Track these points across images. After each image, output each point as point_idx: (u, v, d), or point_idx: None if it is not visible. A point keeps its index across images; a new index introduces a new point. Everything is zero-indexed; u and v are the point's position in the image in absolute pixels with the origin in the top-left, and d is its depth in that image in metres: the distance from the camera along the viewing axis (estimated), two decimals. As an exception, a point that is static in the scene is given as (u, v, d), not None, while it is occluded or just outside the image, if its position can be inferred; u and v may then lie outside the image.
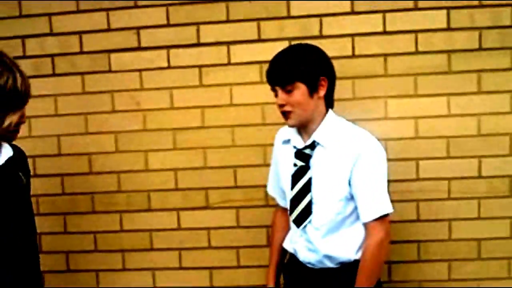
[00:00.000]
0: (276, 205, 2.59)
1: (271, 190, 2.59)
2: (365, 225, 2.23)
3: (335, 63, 2.32)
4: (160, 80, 2.90)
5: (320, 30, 2.79)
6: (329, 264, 2.28)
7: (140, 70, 2.90)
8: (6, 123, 1.94)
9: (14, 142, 2.13)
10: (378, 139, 2.25)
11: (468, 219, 2.84)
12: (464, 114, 2.78)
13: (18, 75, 1.91)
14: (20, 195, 2.12)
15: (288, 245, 2.45)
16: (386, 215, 2.21)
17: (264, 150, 2.85)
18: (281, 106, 2.21)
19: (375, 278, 2.23)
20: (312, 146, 2.25)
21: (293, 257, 2.42)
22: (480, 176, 2.81)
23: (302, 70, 2.16)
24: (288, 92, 2.17)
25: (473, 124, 2.78)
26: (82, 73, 2.93)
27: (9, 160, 2.07)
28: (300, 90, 2.17)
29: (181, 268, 3.00)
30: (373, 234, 2.20)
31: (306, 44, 2.31)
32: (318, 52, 2.25)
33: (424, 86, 2.78)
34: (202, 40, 2.85)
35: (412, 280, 2.89)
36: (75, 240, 3.01)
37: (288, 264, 2.50)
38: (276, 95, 2.22)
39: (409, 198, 2.83)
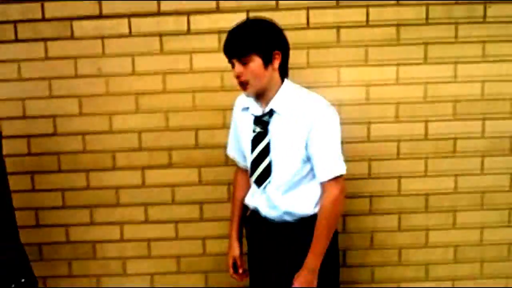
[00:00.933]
0: (236, 165, 2.71)
1: (231, 152, 2.71)
2: (322, 184, 2.37)
3: (291, 33, 2.41)
4: (122, 47, 2.94)
5: (276, 2, 2.86)
6: (288, 219, 2.44)
7: (102, 38, 2.93)
8: None
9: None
10: (332, 104, 2.36)
11: (415, 175, 3.03)
12: (411, 81, 2.93)
13: None
14: None
15: (250, 201, 2.59)
16: (340, 175, 2.35)
17: (223, 113, 2.96)
18: (238, 77, 2.30)
19: (332, 230, 2.39)
20: (270, 113, 2.37)
21: (254, 212, 2.57)
22: (426, 138, 2.98)
23: (257, 44, 2.25)
24: (244, 64, 2.27)
25: (420, 90, 2.93)
26: (45, 39, 2.94)
27: None
28: (256, 62, 2.26)
29: (147, 222, 3.12)
30: (329, 192, 2.35)
31: (261, 19, 2.37)
32: (272, 27, 2.33)
33: (375, 56, 2.90)
34: (162, 10, 2.89)
35: (364, 230, 3.10)
36: (43, 197, 3.09)
37: (250, 218, 2.65)
38: (233, 67, 2.31)
39: (361, 157, 2.99)
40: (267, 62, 2.29)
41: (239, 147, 2.60)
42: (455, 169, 3.04)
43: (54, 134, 3.03)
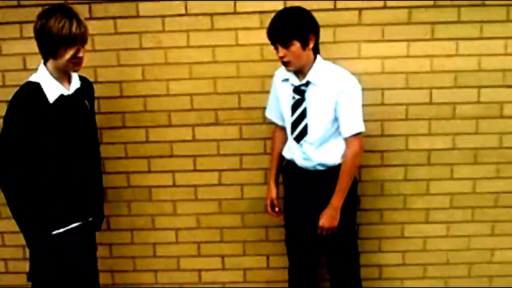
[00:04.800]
0: (275, 124, 3.22)
1: (270, 114, 3.23)
2: (345, 139, 2.92)
3: (322, 14, 2.96)
4: (179, 25, 3.40)
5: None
6: (320, 168, 2.99)
7: (162, 16, 3.39)
8: (66, 56, 2.53)
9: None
10: (353, 74, 2.89)
11: (420, 135, 3.49)
12: (419, 55, 3.37)
13: (74, 21, 2.49)
14: (85, 118, 2.77)
15: (287, 154, 3.13)
16: (360, 133, 2.91)
17: (262, 80, 3.41)
18: (281, 57, 2.82)
19: (352, 177, 2.96)
20: (306, 84, 2.90)
21: (290, 162, 3.12)
22: (431, 103, 3.44)
23: (297, 31, 2.76)
24: (287, 47, 2.78)
25: (427, 63, 3.38)
26: (114, 18, 3.41)
27: (76, 90, 2.72)
28: (296, 46, 2.78)
29: (195, 170, 3.61)
30: (351, 146, 2.92)
31: (296, 7, 2.86)
32: (307, 14, 2.83)
33: (390, 34, 3.34)
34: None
35: (375, 179, 3.58)
36: (108, 150, 3.54)
37: (286, 167, 3.20)
38: (276, 49, 2.83)
39: (375, 118, 3.44)
40: (304, 45, 2.80)
41: (278, 110, 3.11)
42: (453, 131, 3.48)
43: (120, 96, 3.53)
